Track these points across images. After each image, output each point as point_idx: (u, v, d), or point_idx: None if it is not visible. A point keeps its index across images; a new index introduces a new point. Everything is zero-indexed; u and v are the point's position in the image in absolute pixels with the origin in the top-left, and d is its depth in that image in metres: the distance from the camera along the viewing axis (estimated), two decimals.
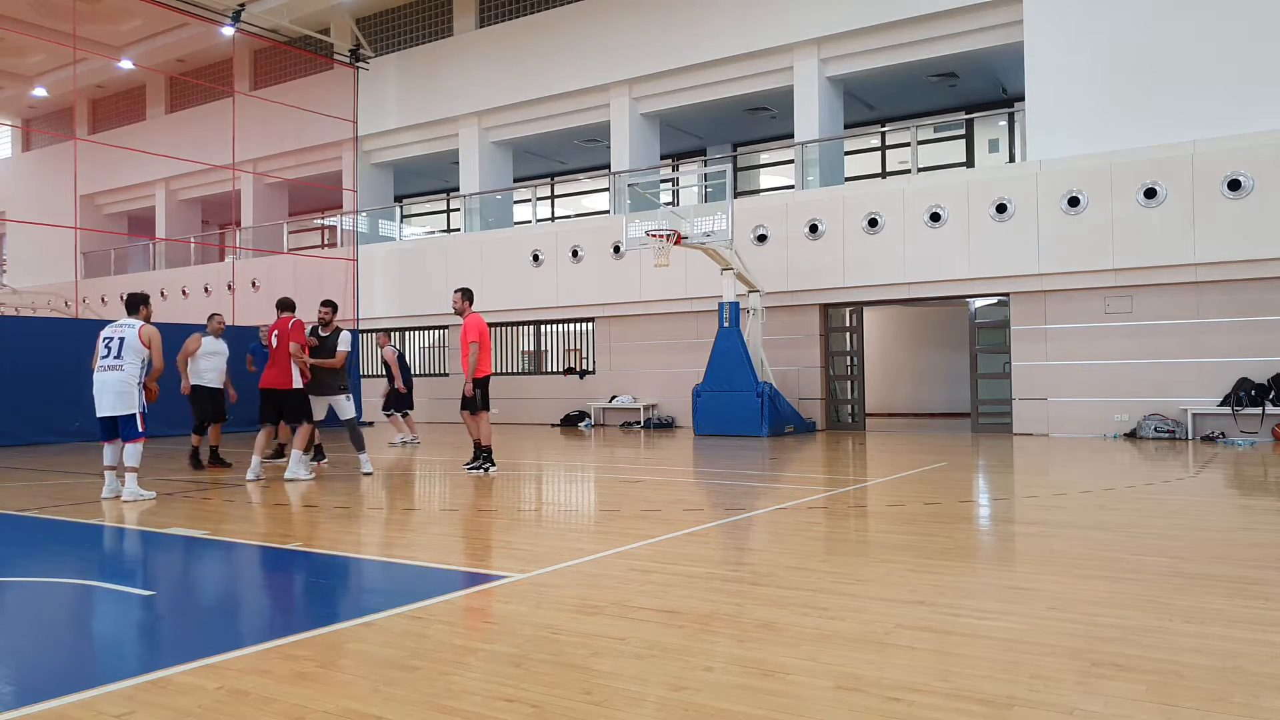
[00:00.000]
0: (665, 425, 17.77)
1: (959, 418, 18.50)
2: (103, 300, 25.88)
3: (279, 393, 9.32)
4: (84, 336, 11.92)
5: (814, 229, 16.26)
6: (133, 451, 7.89)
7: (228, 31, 20.29)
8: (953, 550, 5.39)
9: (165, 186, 28.13)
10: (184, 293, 24.87)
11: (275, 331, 9.37)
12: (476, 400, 9.54)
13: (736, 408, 14.96)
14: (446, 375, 21.39)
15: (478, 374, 9.51)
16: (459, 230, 23.46)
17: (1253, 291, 13.08)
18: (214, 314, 10.99)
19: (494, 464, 9.93)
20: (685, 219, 15.06)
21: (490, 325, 21.04)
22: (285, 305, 9.66)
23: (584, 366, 19.45)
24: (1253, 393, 12.82)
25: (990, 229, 14.72)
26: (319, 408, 9.62)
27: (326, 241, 26.72)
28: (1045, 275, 14.37)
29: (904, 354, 21.40)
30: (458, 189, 22.85)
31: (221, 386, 10.75)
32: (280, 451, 10.96)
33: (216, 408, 10.68)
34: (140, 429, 7.91)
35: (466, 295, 9.82)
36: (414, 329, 22.17)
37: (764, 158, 22.54)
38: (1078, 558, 5.10)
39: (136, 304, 8.16)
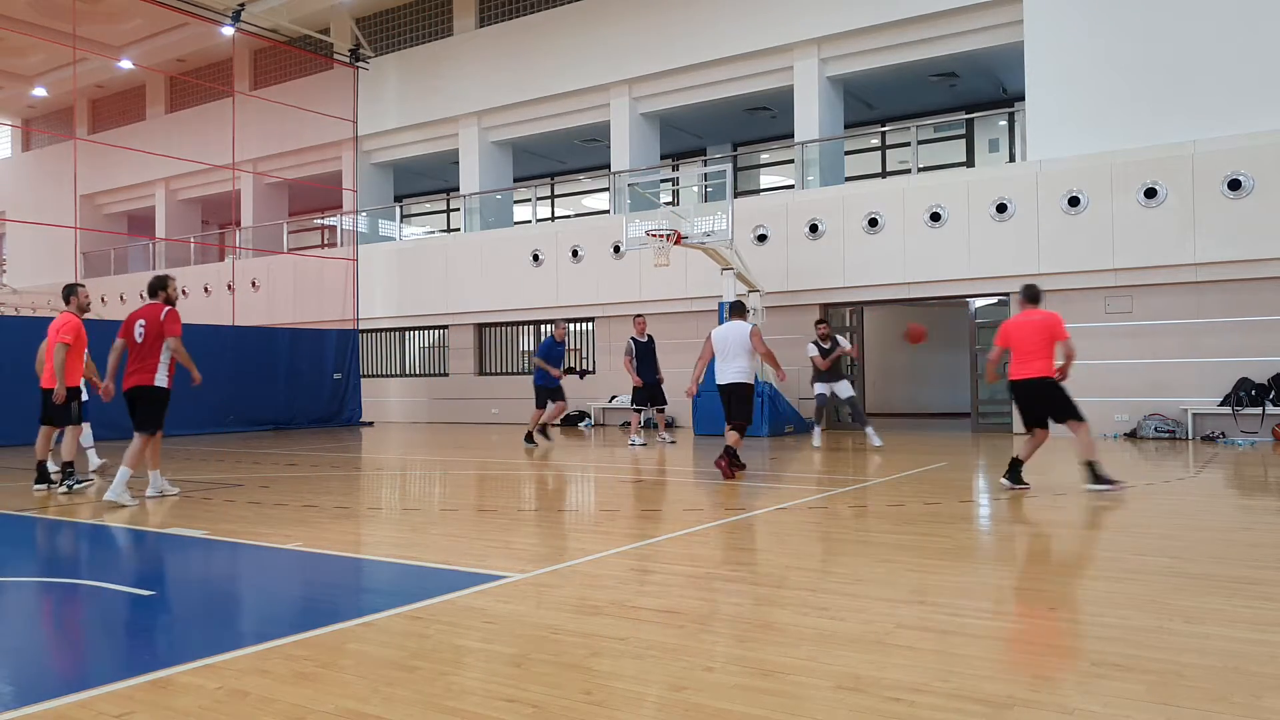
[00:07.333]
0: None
1: (959, 418, 18.48)
2: (103, 300, 25.86)
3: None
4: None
5: (814, 229, 16.26)
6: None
7: (227, 31, 20.28)
8: (953, 550, 5.39)
9: (165, 186, 28.13)
10: (184, 292, 24.84)
11: (142, 320, 7.94)
12: (73, 411, 8.80)
13: None
14: (446, 375, 21.40)
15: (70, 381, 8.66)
16: (459, 230, 23.45)
17: (1252, 291, 13.07)
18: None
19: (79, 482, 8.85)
20: (685, 219, 15.05)
21: (490, 325, 21.43)
22: (154, 288, 8.08)
23: (584, 366, 19.43)
24: (1253, 393, 12.81)
25: (990, 229, 14.71)
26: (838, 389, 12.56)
27: (326, 241, 26.71)
28: (1045, 275, 14.32)
29: (903, 354, 21.38)
30: (458, 189, 22.84)
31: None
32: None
33: None
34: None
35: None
36: (414, 329, 22.17)
37: (764, 158, 22.53)
38: (1078, 558, 5.09)
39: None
